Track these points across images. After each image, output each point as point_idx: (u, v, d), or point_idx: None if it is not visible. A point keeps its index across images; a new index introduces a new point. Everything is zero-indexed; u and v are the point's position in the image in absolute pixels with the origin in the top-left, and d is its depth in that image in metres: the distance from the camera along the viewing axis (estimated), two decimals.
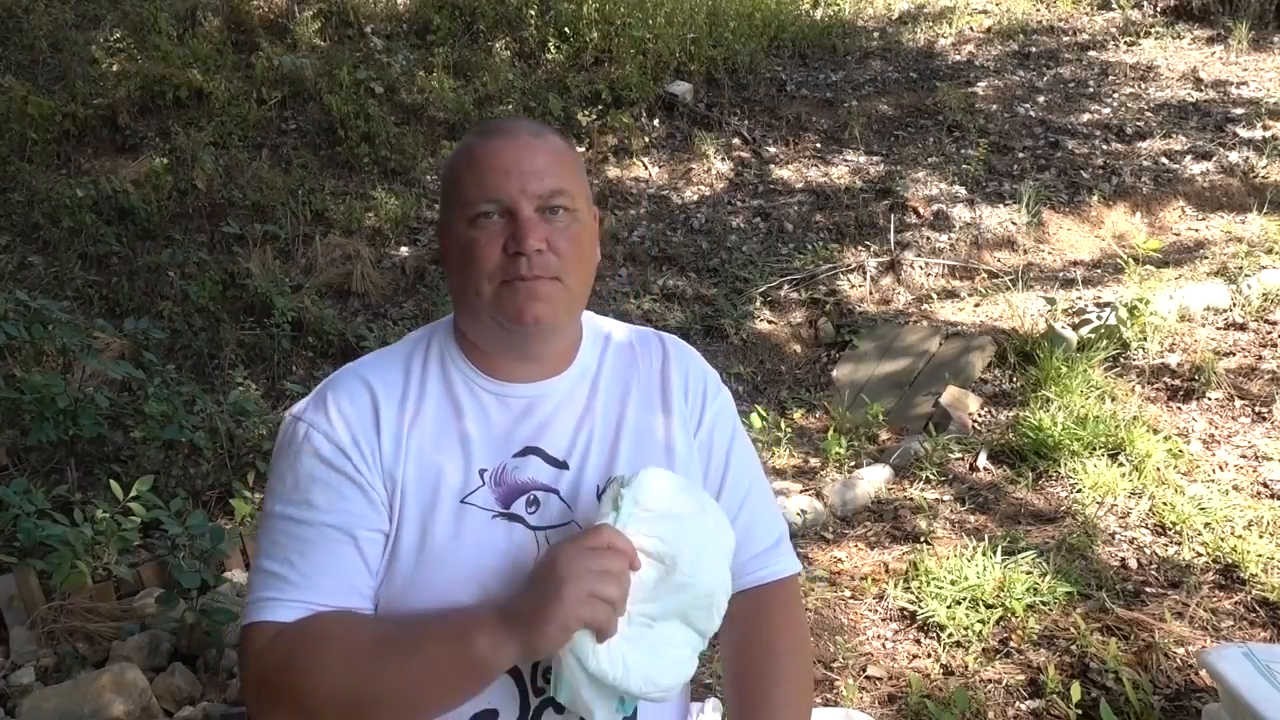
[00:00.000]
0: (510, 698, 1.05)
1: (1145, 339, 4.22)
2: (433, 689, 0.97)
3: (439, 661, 0.96)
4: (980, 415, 4.06)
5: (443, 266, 1.20)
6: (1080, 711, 2.33)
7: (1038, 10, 7.74)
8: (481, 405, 1.13)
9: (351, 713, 0.98)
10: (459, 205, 1.09)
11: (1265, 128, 6.04)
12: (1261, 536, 3.00)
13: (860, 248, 5.44)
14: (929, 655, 2.66)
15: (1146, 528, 3.15)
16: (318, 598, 1.02)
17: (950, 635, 2.69)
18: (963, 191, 5.76)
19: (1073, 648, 2.59)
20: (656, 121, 6.37)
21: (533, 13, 6.89)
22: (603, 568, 0.94)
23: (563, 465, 1.12)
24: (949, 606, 2.78)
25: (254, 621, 1.02)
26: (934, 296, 5.05)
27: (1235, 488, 3.29)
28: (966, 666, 2.58)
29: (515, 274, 1.06)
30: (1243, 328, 4.31)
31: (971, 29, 7.51)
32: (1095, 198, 5.67)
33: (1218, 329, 4.34)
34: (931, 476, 3.60)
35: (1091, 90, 6.64)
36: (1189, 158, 5.91)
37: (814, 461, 3.88)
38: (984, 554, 2.97)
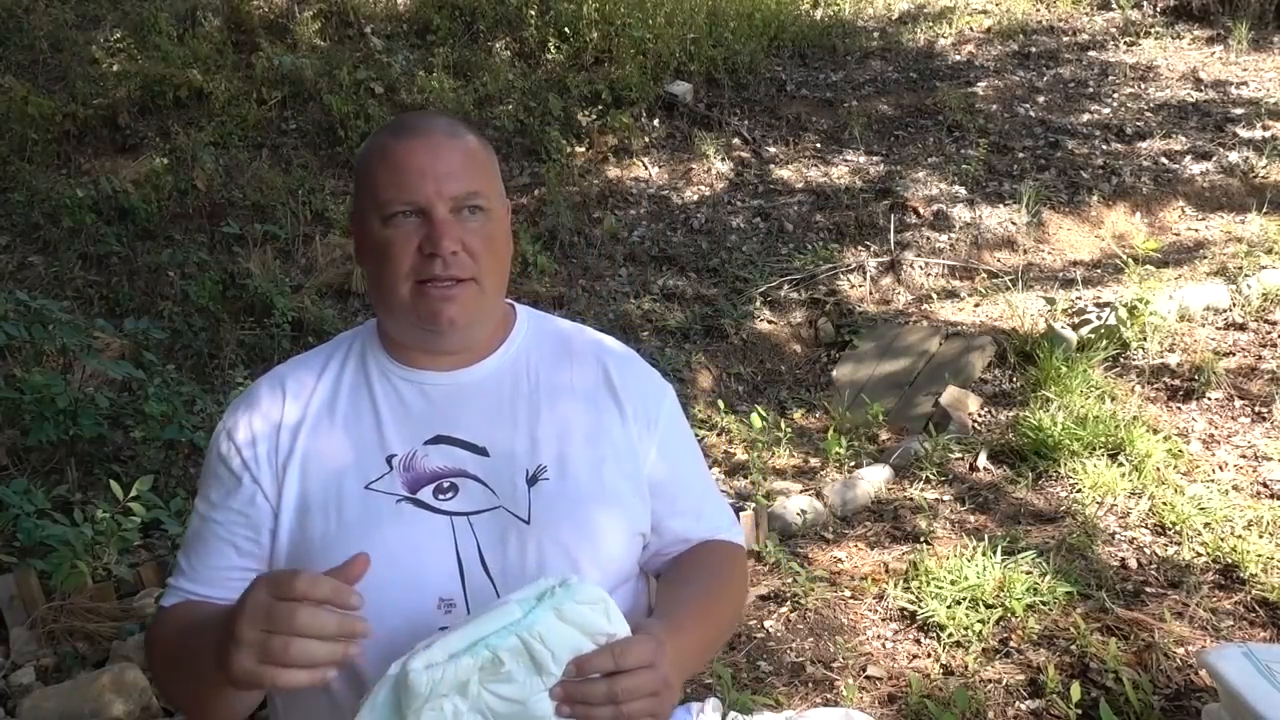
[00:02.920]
0: None
1: (1145, 339, 4.22)
2: (207, 694, 1.01)
3: (206, 672, 0.95)
4: (980, 415, 4.06)
5: (357, 256, 1.20)
6: (1080, 711, 2.33)
7: (1038, 10, 7.73)
8: (396, 392, 1.14)
9: (177, 698, 1.15)
10: (374, 203, 1.10)
11: (1265, 128, 6.03)
12: (1261, 536, 3.00)
13: (860, 248, 5.44)
14: (929, 655, 2.67)
15: (1146, 528, 3.15)
16: (196, 588, 1.12)
17: (950, 635, 2.69)
18: (963, 191, 5.76)
19: (1073, 648, 2.60)
20: (656, 121, 6.37)
21: (533, 13, 6.89)
22: (288, 628, 0.83)
23: (481, 451, 1.12)
24: (949, 606, 2.79)
25: (159, 606, 1.16)
26: (934, 296, 5.05)
27: (1235, 488, 3.29)
28: (966, 666, 2.58)
29: (430, 274, 1.08)
30: (1243, 328, 4.31)
31: (971, 29, 7.51)
32: (1095, 198, 5.67)
33: (1218, 329, 4.34)
34: (931, 476, 3.60)
35: (1091, 90, 6.64)
36: (1189, 158, 5.90)
37: (814, 461, 3.88)
38: (984, 554, 2.97)
